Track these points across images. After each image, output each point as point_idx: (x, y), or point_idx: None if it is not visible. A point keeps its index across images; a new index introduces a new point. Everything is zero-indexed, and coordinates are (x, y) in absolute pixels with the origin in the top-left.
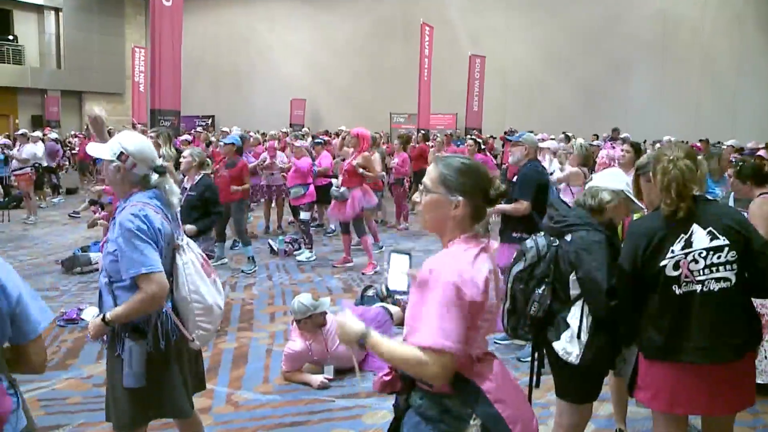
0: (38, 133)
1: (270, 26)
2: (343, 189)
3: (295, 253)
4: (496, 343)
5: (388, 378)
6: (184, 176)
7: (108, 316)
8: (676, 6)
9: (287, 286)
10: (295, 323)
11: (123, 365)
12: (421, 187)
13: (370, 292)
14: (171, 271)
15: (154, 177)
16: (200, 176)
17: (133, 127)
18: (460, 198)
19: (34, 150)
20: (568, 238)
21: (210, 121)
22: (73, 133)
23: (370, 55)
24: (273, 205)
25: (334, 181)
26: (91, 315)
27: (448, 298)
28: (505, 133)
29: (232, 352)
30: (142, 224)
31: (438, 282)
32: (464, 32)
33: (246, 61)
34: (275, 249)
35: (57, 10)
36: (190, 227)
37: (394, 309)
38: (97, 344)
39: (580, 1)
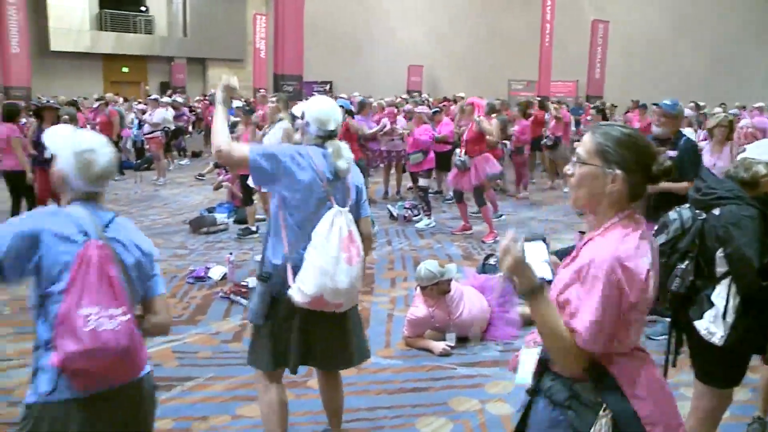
0: (167, 98)
1: None
2: (465, 157)
3: (414, 219)
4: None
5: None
6: None
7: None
8: None
9: (407, 252)
10: (419, 289)
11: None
12: (573, 158)
13: (492, 261)
14: (307, 222)
15: (327, 140)
16: None
17: (255, 92)
18: (618, 172)
19: (165, 114)
20: (717, 212)
21: (327, 87)
22: (198, 98)
23: (489, 21)
24: (392, 170)
25: (457, 150)
26: (218, 273)
27: (608, 296)
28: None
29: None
30: (295, 151)
31: (599, 277)
32: None
33: (363, 27)
34: (394, 215)
35: None
36: None
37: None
38: (225, 302)
39: None
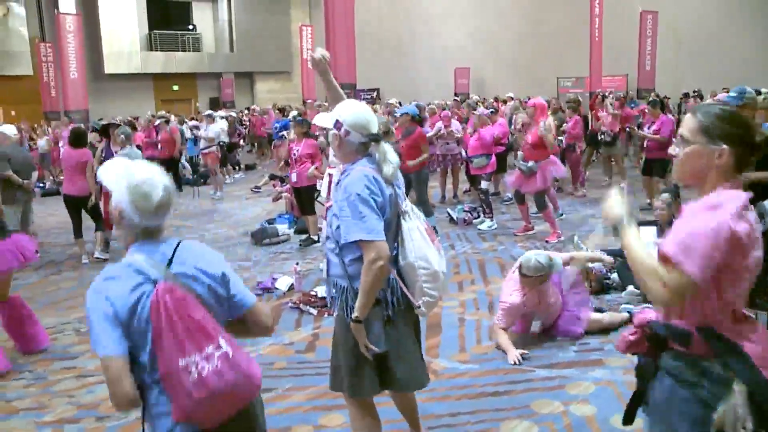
0: (221, 113)
1: None
2: (531, 163)
3: (474, 221)
4: None
5: (632, 338)
6: None
7: (355, 314)
8: None
9: (470, 255)
10: (517, 274)
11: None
12: (677, 138)
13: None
14: (396, 236)
15: (372, 145)
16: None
17: (304, 103)
18: (724, 146)
19: (219, 129)
20: None
21: (375, 94)
22: (247, 109)
23: (534, 19)
24: (449, 174)
25: (519, 153)
26: (285, 284)
27: (711, 227)
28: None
29: (425, 320)
30: (370, 188)
31: (696, 215)
32: None
33: (408, 32)
34: (454, 218)
35: None
36: None
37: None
38: (294, 312)
39: None
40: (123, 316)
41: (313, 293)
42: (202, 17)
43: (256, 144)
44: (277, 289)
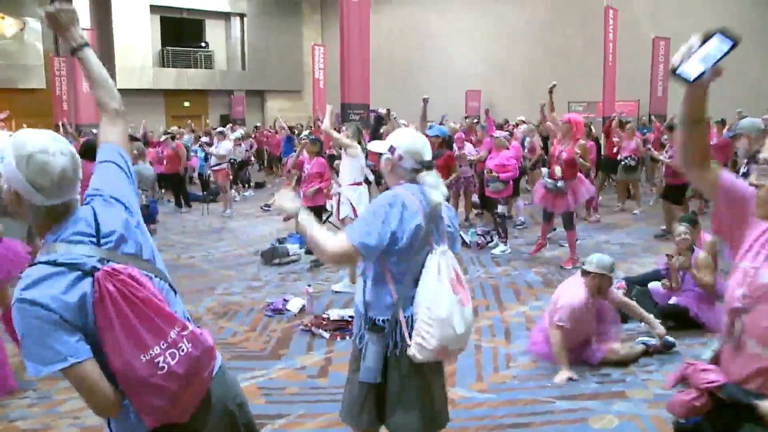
0: (239, 132)
1: (442, 16)
2: (560, 184)
3: (489, 245)
4: None
5: (697, 403)
6: None
7: (300, 217)
8: None
9: (484, 279)
10: (581, 276)
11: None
12: (756, 167)
13: None
14: (413, 269)
15: (422, 173)
16: None
17: (315, 122)
18: None
19: (230, 146)
20: None
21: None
22: (256, 127)
23: (546, 43)
24: (461, 196)
25: (543, 170)
26: (296, 306)
27: None
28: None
29: None
30: (393, 207)
31: None
32: (645, 14)
33: (419, 54)
34: (467, 242)
35: (242, 15)
36: None
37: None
38: (306, 335)
39: None
40: (73, 320)
41: (325, 316)
42: (214, 35)
43: (265, 162)
44: (288, 310)
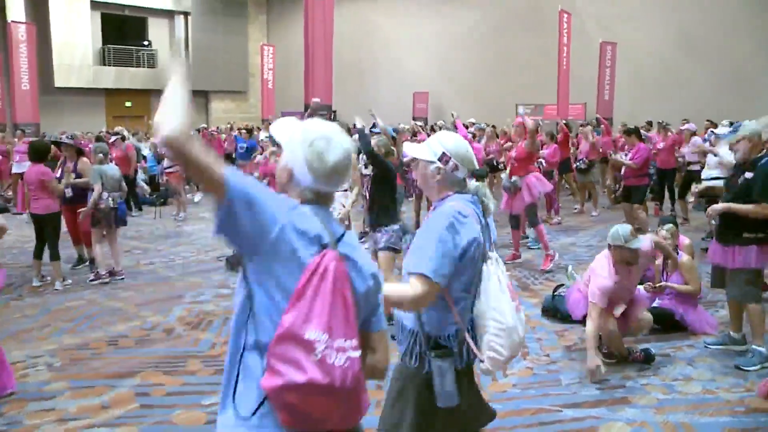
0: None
1: (391, 18)
2: (515, 178)
3: None
4: (707, 346)
5: None
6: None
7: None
8: None
9: None
10: (608, 250)
11: (433, 384)
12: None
13: (562, 291)
14: (475, 281)
15: (473, 181)
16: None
17: (262, 122)
18: None
19: None
20: None
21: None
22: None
23: (495, 46)
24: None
25: (503, 176)
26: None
27: None
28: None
29: None
30: (456, 227)
31: None
32: (593, 19)
33: (368, 56)
34: None
35: (186, 14)
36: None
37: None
38: None
39: None
40: (281, 237)
41: None
42: (158, 33)
43: None
44: None
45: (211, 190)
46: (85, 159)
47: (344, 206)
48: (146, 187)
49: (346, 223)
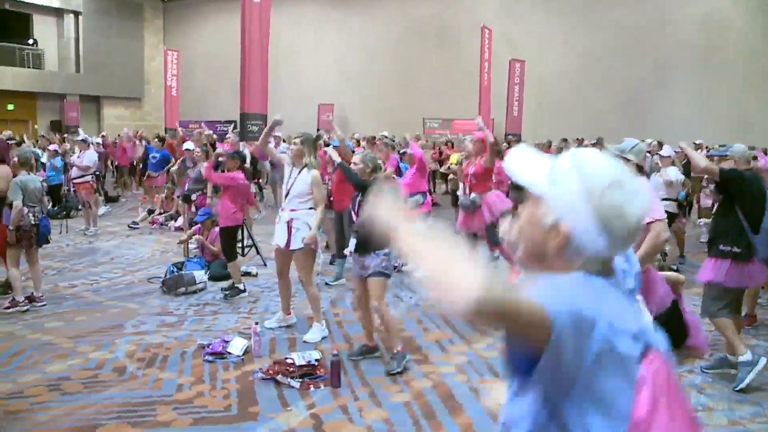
0: (97, 139)
1: (297, 30)
2: (474, 195)
3: (403, 267)
4: (704, 371)
5: None
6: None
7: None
8: (721, 10)
9: (424, 307)
10: None
11: None
12: None
13: None
14: None
15: None
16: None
17: (166, 131)
18: None
19: (95, 157)
20: None
21: (232, 126)
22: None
23: (401, 60)
24: None
25: (458, 192)
26: (239, 347)
27: None
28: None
29: (437, 395)
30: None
31: None
32: (500, 37)
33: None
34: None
35: (76, 13)
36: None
37: None
38: (269, 385)
39: (619, 6)
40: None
41: (288, 360)
42: (44, 32)
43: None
44: (230, 353)
45: (527, 333)
46: (4, 167)
47: (310, 227)
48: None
49: (313, 247)
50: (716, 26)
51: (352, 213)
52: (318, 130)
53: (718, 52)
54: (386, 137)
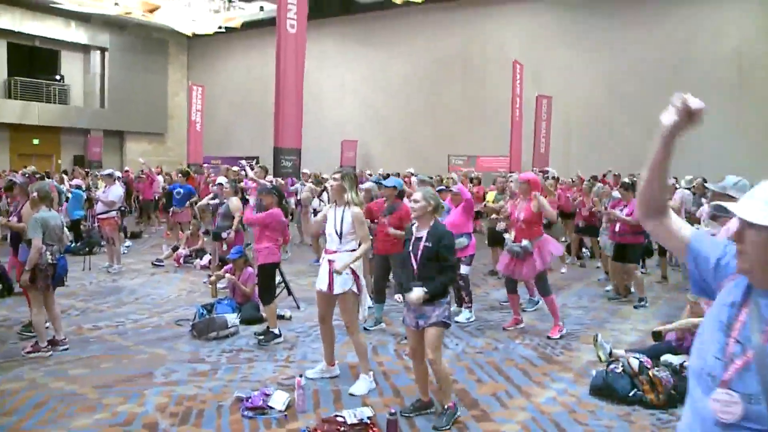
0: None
1: (321, 66)
2: (525, 242)
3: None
4: None
5: None
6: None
7: None
8: (752, 45)
9: (474, 356)
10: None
11: None
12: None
13: (618, 368)
14: None
15: None
16: (433, 222)
17: (189, 166)
18: None
19: (121, 192)
20: None
21: (255, 161)
22: (126, 169)
23: (426, 96)
24: None
25: (506, 236)
26: (281, 401)
27: None
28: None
29: None
30: None
31: None
32: (527, 72)
33: None
34: None
35: (103, 50)
36: (417, 292)
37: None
38: None
39: (640, 44)
40: None
41: (339, 419)
42: (71, 68)
43: (137, 208)
44: (271, 408)
45: None
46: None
47: (352, 269)
48: (68, 233)
49: (356, 290)
50: (746, 61)
51: (411, 256)
52: (341, 166)
53: (749, 87)
54: (412, 174)
